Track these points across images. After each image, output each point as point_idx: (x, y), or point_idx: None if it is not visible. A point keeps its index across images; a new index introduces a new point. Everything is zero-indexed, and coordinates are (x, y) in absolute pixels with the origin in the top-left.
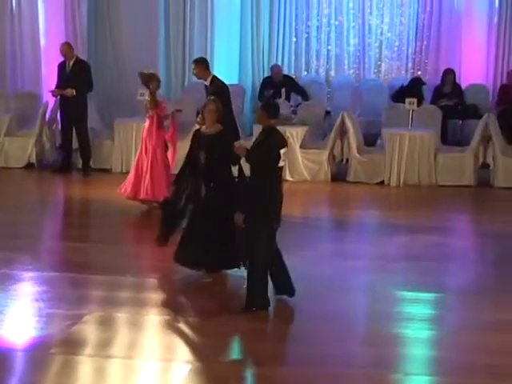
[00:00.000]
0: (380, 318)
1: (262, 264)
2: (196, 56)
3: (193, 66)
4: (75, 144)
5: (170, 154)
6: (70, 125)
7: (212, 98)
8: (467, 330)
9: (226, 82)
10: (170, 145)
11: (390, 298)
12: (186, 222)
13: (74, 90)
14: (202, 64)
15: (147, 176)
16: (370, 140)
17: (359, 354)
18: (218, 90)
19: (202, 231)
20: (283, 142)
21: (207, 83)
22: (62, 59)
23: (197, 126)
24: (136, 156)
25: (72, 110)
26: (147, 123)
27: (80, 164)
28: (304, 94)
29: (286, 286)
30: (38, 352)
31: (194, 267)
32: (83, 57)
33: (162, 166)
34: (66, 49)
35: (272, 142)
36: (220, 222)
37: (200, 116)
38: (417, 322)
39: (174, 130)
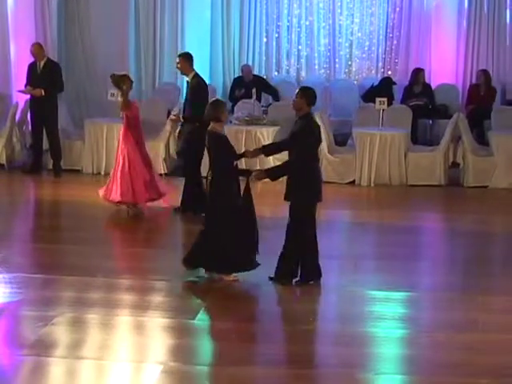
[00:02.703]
0: (351, 317)
1: (302, 241)
2: (166, 56)
3: (177, 59)
4: (45, 145)
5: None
6: (40, 126)
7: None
8: (438, 328)
9: None
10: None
11: (361, 297)
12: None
13: (42, 91)
14: (187, 59)
15: (117, 177)
16: (341, 140)
17: (330, 353)
18: (198, 86)
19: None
20: (319, 126)
21: (189, 79)
22: (32, 60)
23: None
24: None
25: (42, 110)
26: (123, 125)
27: (50, 165)
28: (275, 94)
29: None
30: (9, 354)
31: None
32: (53, 57)
33: (134, 166)
34: (37, 49)
35: (315, 127)
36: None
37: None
38: (388, 322)
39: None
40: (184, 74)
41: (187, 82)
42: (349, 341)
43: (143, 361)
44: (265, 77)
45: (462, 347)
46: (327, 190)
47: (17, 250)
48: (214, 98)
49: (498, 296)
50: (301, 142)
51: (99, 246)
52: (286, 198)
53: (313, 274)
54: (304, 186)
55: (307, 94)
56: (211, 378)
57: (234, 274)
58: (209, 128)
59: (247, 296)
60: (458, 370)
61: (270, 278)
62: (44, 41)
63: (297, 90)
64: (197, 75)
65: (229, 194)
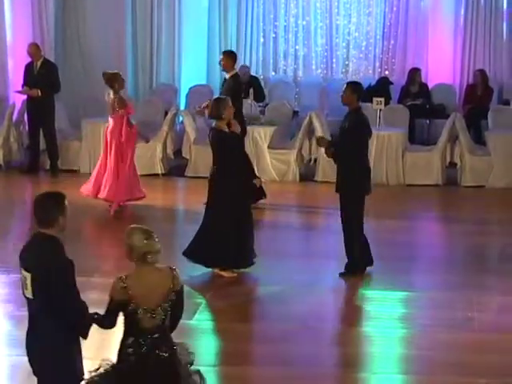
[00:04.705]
0: (348, 317)
1: (357, 228)
2: (163, 57)
3: (221, 56)
4: (43, 145)
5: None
6: (37, 126)
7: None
8: (436, 328)
9: (194, 83)
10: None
11: (360, 297)
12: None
13: (39, 91)
14: (230, 57)
15: (111, 175)
16: None
17: (328, 353)
18: (237, 86)
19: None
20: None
21: (227, 76)
22: (29, 60)
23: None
24: (100, 157)
25: (39, 111)
26: (112, 123)
27: (48, 165)
28: (261, 98)
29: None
30: (8, 354)
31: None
32: (50, 58)
33: (131, 165)
34: (34, 49)
35: (366, 120)
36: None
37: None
38: (386, 321)
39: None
40: (225, 71)
41: (224, 78)
42: (348, 341)
43: None
44: (261, 77)
45: (461, 347)
46: (325, 190)
47: (14, 249)
48: (216, 96)
49: (495, 296)
50: (355, 135)
51: (96, 246)
52: (337, 190)
53: (360, 263)
54: (356, 176)
55: (358, 89)
56: (209, 378)
57: (233, 271)
58: (213, 125)
59: (244, 296)
60: (456, 369)
61: (342, 274)
62: (41, 41)
63: (345, 85)
64: (237, 75)
65: (227, 191)
